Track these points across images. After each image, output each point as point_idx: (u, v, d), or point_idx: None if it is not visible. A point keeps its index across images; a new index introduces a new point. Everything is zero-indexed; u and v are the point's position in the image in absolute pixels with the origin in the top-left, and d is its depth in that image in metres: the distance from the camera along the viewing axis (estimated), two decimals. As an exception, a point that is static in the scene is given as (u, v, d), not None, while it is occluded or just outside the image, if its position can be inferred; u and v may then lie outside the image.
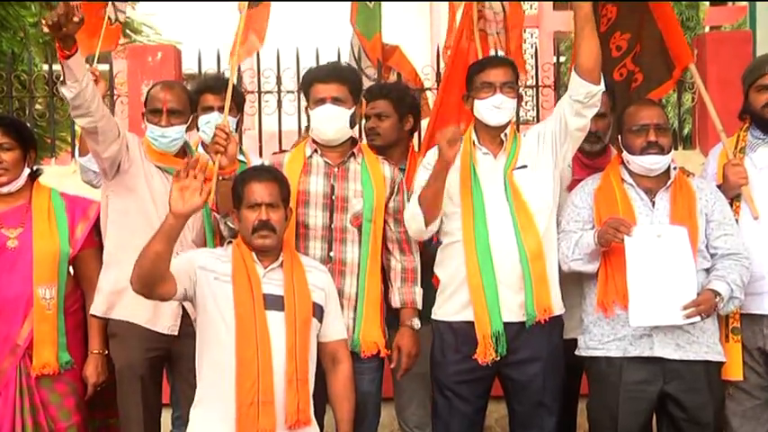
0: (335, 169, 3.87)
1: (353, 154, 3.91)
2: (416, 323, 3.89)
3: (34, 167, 3.97)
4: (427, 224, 3.77)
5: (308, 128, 3.93)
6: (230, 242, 3.64)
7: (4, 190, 3.85)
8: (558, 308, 3.79)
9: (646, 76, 4.45)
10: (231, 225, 3.75)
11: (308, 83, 3.91)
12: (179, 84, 4.05)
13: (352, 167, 3.89)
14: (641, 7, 4.41)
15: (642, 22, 4.41)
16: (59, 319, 3.80)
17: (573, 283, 3.88)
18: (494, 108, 3.81)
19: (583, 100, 3.72)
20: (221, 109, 4.21)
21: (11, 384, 3.75)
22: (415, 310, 3.90)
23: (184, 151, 4.01)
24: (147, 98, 3.97)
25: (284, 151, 4.03)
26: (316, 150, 3.89)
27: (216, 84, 4.37)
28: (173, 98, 3.90)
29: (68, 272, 3.90)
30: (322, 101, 3.82)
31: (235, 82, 4.10)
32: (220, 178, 3.75)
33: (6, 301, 3.76)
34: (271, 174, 3.65)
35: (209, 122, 4.24)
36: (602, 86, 3.74)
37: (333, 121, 3.84)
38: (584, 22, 3.71)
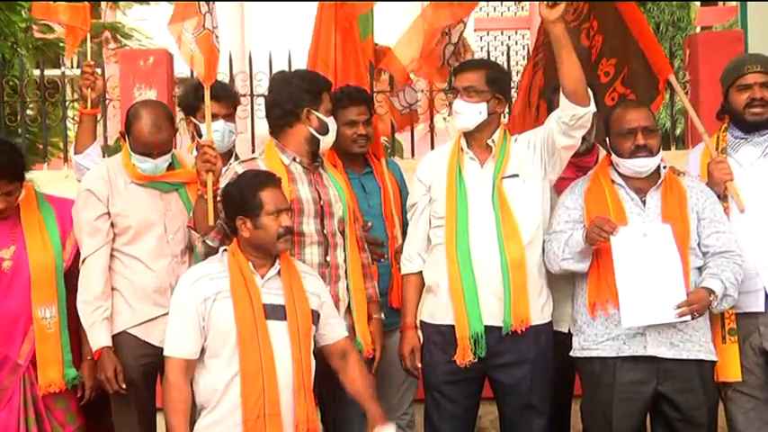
0: (313, 175, 3.87)
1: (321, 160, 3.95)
2: (382, 315, 3.97)
3: None
4: None
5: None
6: (225, 250, 3.60)
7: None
8: (537, 318, 3.77)
9: (638, 96, 4.48)
10: (211, 243, 3.70)
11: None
12: (165, 115, 3.84)
13: (323, 173, 3.92)
14: (621, 29, 4.44)
15: (625, 45, 4.45)
16: (63, 336, 3.74)
17: (562, 276, 3.85)
18: (455, 113, 3.82)
19: (569, 122, 3.67)
20: (227, 117, 4.30)
21: (15, 397, 3.71)
22: (378, 304, 3.97)
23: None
24: (132, 128, 3.77)
25: (252, 159, 3.92)
26: (294, 158, 3.85)
27: (221, 92, 4.33)
28: (163, 139, 3.78)
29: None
30: (331, 113, 3.88)
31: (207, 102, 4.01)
32: (203, 195, 3.73)
33: (3, 323, 3.70)
34: (277, 179, 3.62)
35: (218, 131, 4.24)
36: (590, 108, 3.66)
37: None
38: (558, 46, 3.62)
